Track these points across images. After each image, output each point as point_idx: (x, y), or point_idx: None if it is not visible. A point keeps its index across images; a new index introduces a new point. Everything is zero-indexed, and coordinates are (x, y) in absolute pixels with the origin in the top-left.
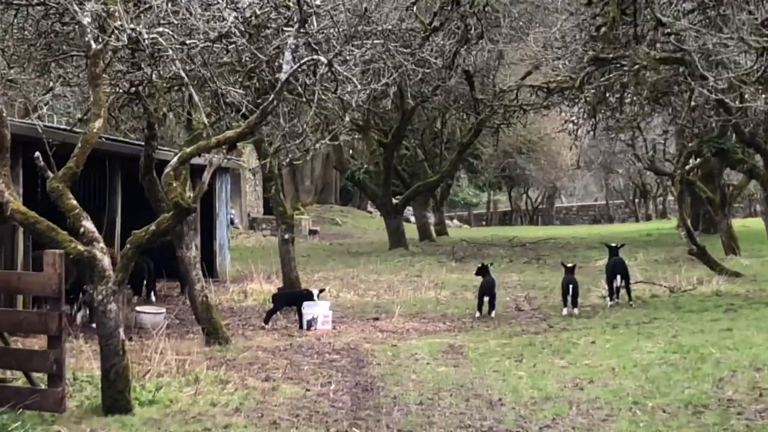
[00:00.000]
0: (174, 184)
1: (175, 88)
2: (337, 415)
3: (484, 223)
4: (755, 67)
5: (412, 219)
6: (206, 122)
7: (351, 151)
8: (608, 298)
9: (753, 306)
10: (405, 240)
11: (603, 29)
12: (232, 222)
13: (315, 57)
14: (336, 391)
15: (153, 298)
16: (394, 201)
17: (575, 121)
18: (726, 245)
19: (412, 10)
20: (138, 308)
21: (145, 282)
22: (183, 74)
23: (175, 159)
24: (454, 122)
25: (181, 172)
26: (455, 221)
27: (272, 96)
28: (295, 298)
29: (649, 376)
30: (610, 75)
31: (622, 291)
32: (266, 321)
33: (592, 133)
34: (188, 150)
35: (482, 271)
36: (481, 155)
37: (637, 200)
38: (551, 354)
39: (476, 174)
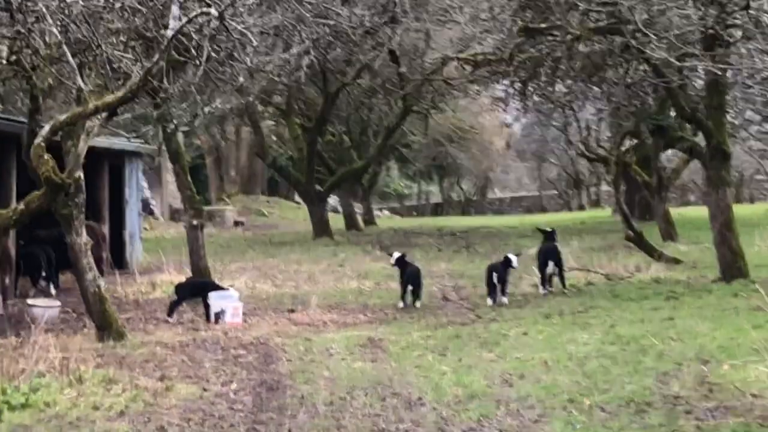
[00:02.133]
0: (45, 157)
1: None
2: (235, 418)
3: (414, 213)
4: (699, 26)
5: (341, 209)
6: (83, 86)
7: (275, 138)
8: (540, 287)
9: (695, 293)
10: (330, 229)
11: None
12: (151, 212)
13: (205, 10)
14: (237, 390)
15: (53, 291)
16: (319, 189)
17: (504, 97)
18: (663, 231)
19: None
20: (29, 301)
21: (43, 273)
22: (56, 33)
23: (47, 128)
24: (381, 107)
25: (71, 150)
26: (385, 212)
27: (156, 56)
28: (201, 289)
29: (586, 371)
30: (542, 47)
31: (556, 279)
32: (170, 314)
33: (522, 111)
34: (62, 118)
35: (399, 262)
36: (411, 144)
37: (570, 191)
38: (479, 347)
39: (406, 163)
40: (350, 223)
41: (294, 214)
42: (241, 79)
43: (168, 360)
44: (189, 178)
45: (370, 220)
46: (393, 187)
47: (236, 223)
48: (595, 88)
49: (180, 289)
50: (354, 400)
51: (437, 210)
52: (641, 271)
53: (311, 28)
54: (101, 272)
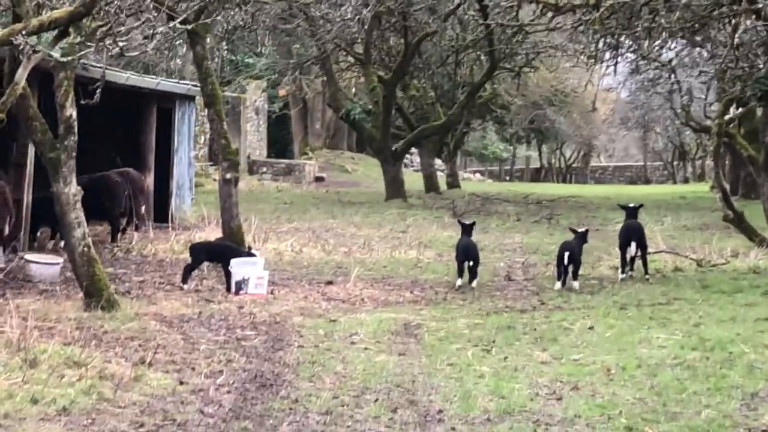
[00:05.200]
0: None
1: None
2: (199, 427)
3: (507, 178)
4: None
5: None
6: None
7: (353, 90)
8: (620, 270)
9: None
10: (404, 191)
11: None
12: None
13: None
14: (222, 385)
15: None
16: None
17: (592, 52)
18: None
19: None
20: (27, 256)
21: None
22: None
23: None
24: (471, 62)
25: (62, 83)
26: (477, 175)
27: None
28: (220, 253)
29: (656, 385)
30: None
31: (638, 262)
32: (184, 280)
33: (612, 69)
34: None
35: (468, 230)
36: (509, 104)
37: (675, 162)
38: (532, 343)
39: (503, 126)
40: (430, 185)
41: (378, 173)
42: None
43: (157, 338)
44: (225, 126)
45: (454, 182)
46: (491, 150)
47: (317, 179)
48: (700, 50)
49: (195, 251)
50: (358, 409)
51: (537, 176)
52: (738, 257)
53: None
54: (137, 227)
